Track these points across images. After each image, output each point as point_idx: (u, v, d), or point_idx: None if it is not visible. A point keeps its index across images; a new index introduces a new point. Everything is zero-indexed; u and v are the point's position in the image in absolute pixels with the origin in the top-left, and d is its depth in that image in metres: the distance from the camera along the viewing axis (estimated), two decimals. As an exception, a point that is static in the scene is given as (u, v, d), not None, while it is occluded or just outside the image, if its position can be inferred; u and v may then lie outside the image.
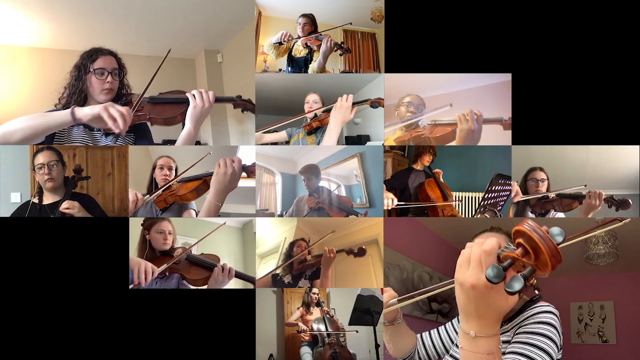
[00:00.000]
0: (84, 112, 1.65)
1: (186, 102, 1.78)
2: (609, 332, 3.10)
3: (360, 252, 2.04)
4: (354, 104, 1.91)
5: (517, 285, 0.75)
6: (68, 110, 1.66)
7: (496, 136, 1.84)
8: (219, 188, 1.74)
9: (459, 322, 1.58)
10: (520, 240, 0.80)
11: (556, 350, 1.14)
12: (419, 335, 1.61)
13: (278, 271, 2.11)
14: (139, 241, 1.88)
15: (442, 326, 1.61)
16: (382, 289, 2.02)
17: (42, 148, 1.83)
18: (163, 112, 1.80)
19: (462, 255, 0.88)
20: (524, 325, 1.20)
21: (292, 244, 2.19)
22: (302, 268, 2.11)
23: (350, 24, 2.22)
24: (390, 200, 2.00)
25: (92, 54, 1.81)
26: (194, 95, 1.75)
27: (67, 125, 1.69)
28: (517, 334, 1.19)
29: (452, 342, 1.56)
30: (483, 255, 0.84)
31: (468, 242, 0.89)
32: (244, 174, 1.81)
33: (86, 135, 1.83)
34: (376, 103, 1.94)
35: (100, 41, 1.90)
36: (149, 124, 1.86)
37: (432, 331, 1.61)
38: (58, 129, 1.72)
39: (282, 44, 2.19)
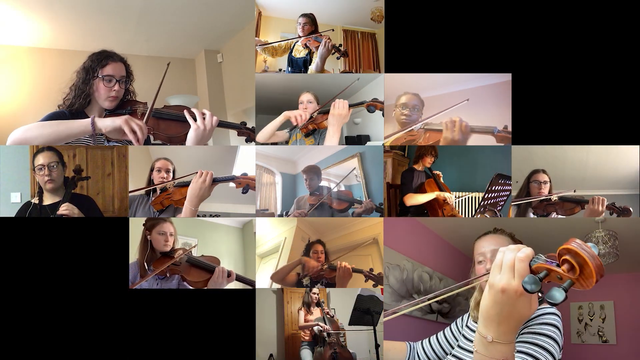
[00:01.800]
0: (105, 124, 1.68)
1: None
2: (609, 332, 3.10)
3: (379, 281, 1.99)
4: (349, 106, 1.91)
5: (560, 297, 0.79)
6: (88, 121, 1.68)
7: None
8: (192, 194, 1.84)
9: (463, 323, 1.58)
10: (567, 257, 0.84)
11: (559, 350, 1.16)
12: (418, 343, 1.61)
13: (299, 271, 2.12)
14: (140, 241, 1.88)
15: (442, 332, 1.62)
16: (381, 289, 2.03)
17: (42, 148, 1.83)
18: (167, 129, 1.81)
19: (496, 259, 0.91)
20: (529, 326, 1.22)
21: (308, 247, 2.17)
22: (318, 277, 2.10)
23: (332, 30, 2.21)
24: (453, 198, 2.07)
25: (103, 59, 1.80)
26: (196, 117, 1.75)
27: (87, 134, 1.71)
28: (521, 334, 1.21)
29: (452, 347, 1.56)
30: (517, 261, 0.87)
31: (502, 247, 0.93)
32: (232, 184, 1.89)
33: (89, 140, 1.83)
34: (372, 107, 1.93)
35: (101, 41, 1.90)
36: (151, 137, 1.86)
37: (431, 338, 1.61)
38: (77, 137, 1.74)
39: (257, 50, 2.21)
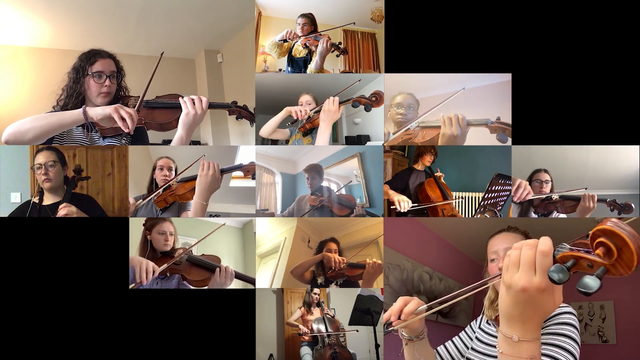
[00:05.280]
0: (96, 112, 1.68)
1: (181, 108, 1.78)
2: (609, 332, 3.10)
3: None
4: (340, 103, 1.94)
5: (595, 285, 0.72)
6: (80, 110, 1.68)
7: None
8: (202, 188, 1.81)
9: (476, 325, 1.57)
10: (602, 239, 0.75)
11: (578, 349, 1.16)
12: (439, 348, 1.60)
13: (314, 269, 2.11)
14: (140, 241, 1.88)
15: (457, 336, 1.61)
16: (381, 289, 2.02)
17: (42, 148, 1.83)
18: (158, 117, 1.81)
19: (510, 256, 0.86)
20: (546, 327, 1.22)
21: (320, 246, 2.16)
22: (336, 275, 2.09)
23: (354, 23, 2.21)
24: (405, 203, 2.00)
25: (91, 57, 1.81)
26: (186, 102, 1.74)
27: (79, 123, 1.72)
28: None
29: (467, 348, 1.55)
30: (539, 256, 0.82)
31: (516, 243, 0.87)
32: (240, 173, 1.87)
33: (85, 138, 1.83)
34: (357, 102, 1.96)
35: (100, 41, 1.90)
36: (153, 132, 1.86)
37: (447, 344, 1.59)
38: (70, 127, 1.75)
39: (287, 42, 2.19)
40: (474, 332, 1.56)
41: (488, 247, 1.53)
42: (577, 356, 1.13)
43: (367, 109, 1.97)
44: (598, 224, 0.76)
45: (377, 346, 1.93)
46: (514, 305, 0.85)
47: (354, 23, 2.21)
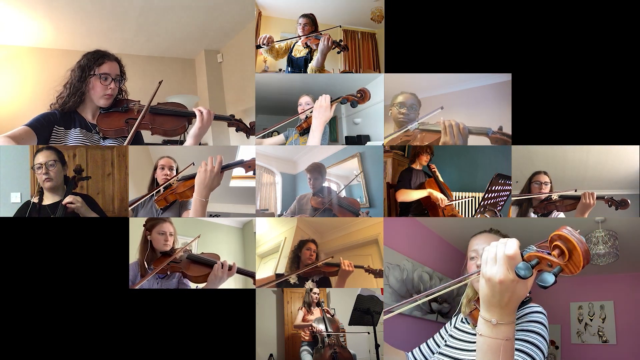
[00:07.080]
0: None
1: (187, 116, 1.84)
2: (609, 332, 3.10)
3: (378, 273, 2.01)
4: (331, 101, 1.94)
5: (551, 279, 0.87)
6: None
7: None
8: (200, 184, 1.78)
9: (451, 325, 1.60)
10: (558, 242, 0.92)
11: (546, 345, 1.25)
12: (409, 353, 1.63)
13: (283, 271, 2.10)
14: (141, 241, 1.88)
15: (431, 338, 1.64)
16: (381, 289, 2.03)
17: (41, 148, 1.83)
18: (164, 123, 1.84)
19: (488, 252, 0.98)
20: (518, 324, 1.28)
21: (300, 245, 2.16)
22: (311, 272, 2.09)
23: (340, 26, 2.23)
24: (445, 200, 2.10)
25: (99, 58, 1.81)
26: (201, 113, 1.79)
27: None
28: None
29: (439, 346, 1.58)
30: (508, 258, 0.94)
31: (493, 242, 0.99)
32: (241, 170, 1.86)
33: (85, 138, 1.83)
34: (345, 99, 1.98)
35: (100, 41, 1.90)
36: (149, 133, 1.88)
37: (422, 346, 1.63)
38: None
39: (261, 47, 2.20)
40: (447, 332, 1.60)
41: (469, 246, 1.58)
42: (545, 351, 1.22)
43: (353, 105, 1.99)
44: (557, 229, 0.92)
45: (377, 346, 1.93)
46: (492, 294, 0.97)
47: (340, 26, 2.23)
